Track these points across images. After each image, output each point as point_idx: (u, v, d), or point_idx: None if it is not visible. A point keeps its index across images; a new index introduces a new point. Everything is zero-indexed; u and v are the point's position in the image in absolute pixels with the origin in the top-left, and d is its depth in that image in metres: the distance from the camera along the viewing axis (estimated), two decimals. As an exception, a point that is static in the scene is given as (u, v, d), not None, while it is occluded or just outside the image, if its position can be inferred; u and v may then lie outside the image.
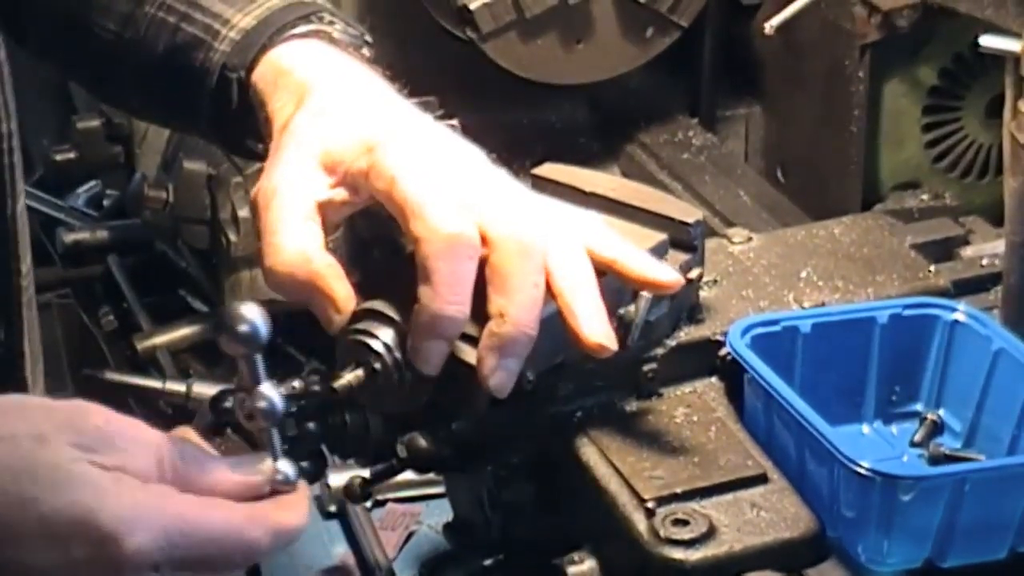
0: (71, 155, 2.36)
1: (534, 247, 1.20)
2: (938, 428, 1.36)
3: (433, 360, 1.19)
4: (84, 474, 1.04)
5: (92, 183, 2.52)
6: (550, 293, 1.20)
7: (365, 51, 1.40)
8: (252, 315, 1.07)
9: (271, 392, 1.09)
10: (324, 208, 1.23)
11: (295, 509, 1.11)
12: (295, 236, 1.21)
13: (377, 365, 1.19)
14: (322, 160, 1.24)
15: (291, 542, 1.11)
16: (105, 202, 2.51)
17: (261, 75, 1.35)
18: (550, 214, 1.25)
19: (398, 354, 1.18)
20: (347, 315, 1.21)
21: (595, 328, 1.21)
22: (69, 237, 2.32)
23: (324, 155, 1.24)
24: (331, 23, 1.39)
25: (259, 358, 1.09)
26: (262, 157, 1.33)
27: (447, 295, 1.17)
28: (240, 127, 1.39)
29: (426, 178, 1.20)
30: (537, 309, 1.19)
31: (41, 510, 1.02)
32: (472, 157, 1.26)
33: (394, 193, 1.19)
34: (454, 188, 1.20)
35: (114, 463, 1.05)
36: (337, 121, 1.25)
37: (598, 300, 1.22)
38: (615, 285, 1.29)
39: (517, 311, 1.18)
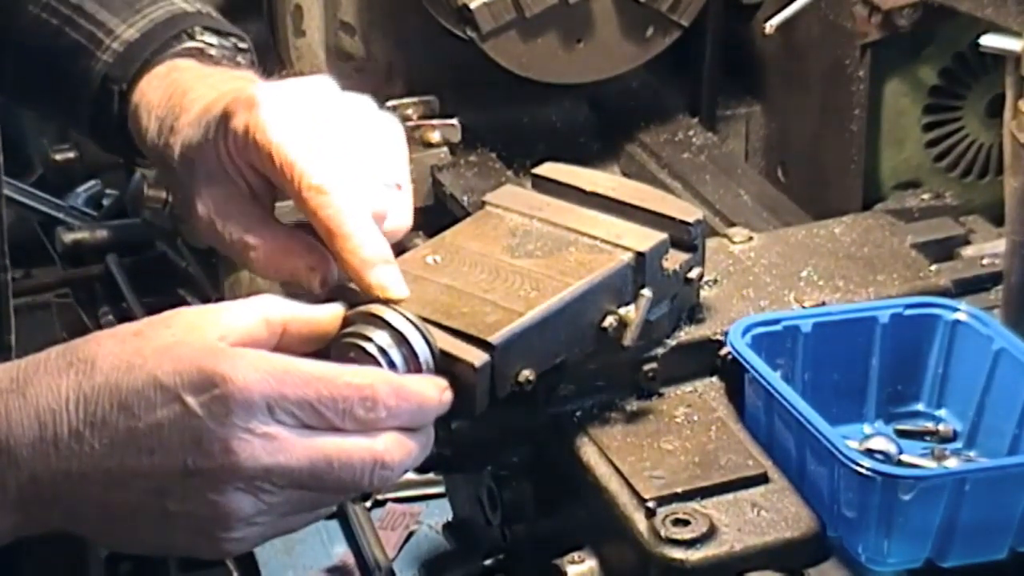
0: (71, 155, 2.36)
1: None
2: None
3: (395, 285, 1.22)
4: (187, 343, 1.12)
5: (92, 183, 2.52)
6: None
7: (241, 59, 1.47)
8: None
9: None
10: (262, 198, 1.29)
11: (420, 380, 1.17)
12: (265, 238, 1.27)
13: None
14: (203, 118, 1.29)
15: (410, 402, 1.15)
16: (105, 202, 2.51)
17: (141, 92, 1.41)
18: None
19: (393, 356, 1.18)
20: (326, 275, 1.26)
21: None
22: (69, 237, 2.32)
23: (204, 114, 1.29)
24: (209, 34, 1.45)
25: None
26: (136, 163, 1.47)
27: (367, 240, 1.21)
28: (118, 134, 1.45)
29: (298, 137, 1.23)
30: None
31: (149, 370, 1.10)
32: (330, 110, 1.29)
33: (270, 153, 1.23)
34: (323, 143, 1.24)
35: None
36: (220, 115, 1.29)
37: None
38: (615, 284, 1.29)
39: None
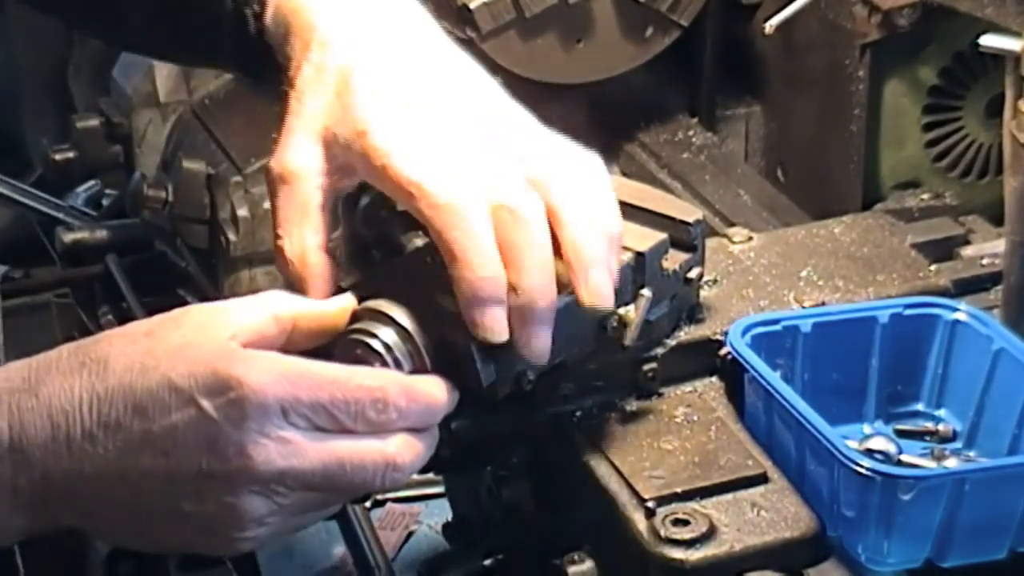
0: (70, 155, 2.36)
1: (530, 215, 1.18)
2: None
3: (496, 327, 1.16)
4: (199, 344, 1.11)
5: (91, 183, 2.52)
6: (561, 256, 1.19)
7: None
8: None
9: None
10: (326, 193, 1.25)
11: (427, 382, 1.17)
12: (299, 235, 1.24)
13: (377, 365, 1.19)
14: (323, 139, 1.24)
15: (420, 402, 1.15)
16: (104, 202, 2.51)
17: (274, 12, 1.35)
18: (549, 168, 1.22)
19: (398, 353, 1.18)
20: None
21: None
22: (68, 237, 2.31)
23: (324, 135, 1.24)
24: None
25: None
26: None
27: (474, 260, 1.16)
28: (261, 60, 1.39)
29: (419, 155, 1.19)
30: (548, 272, 1.18)
31: (162, 372, 1.10)
32: (470, 110, 1.24)
33: (389, 176, 1.19)
34: (448, 156, 1.19)
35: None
36: (335, 92, 1.24)
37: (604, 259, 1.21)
38: (615, 284, 1.29)
39: (528, 281, 1.17)
